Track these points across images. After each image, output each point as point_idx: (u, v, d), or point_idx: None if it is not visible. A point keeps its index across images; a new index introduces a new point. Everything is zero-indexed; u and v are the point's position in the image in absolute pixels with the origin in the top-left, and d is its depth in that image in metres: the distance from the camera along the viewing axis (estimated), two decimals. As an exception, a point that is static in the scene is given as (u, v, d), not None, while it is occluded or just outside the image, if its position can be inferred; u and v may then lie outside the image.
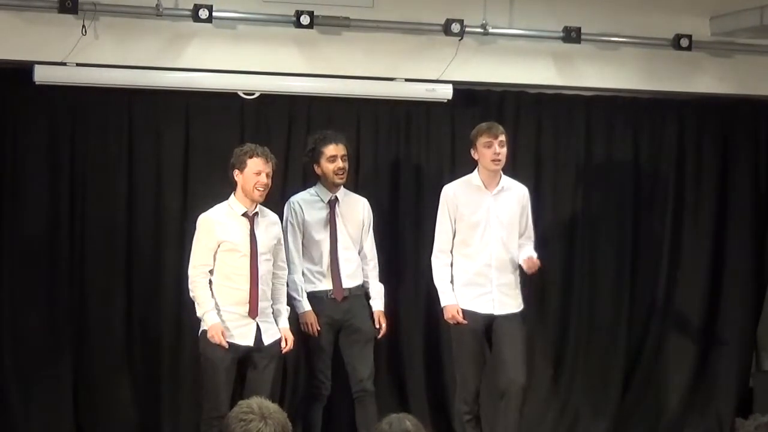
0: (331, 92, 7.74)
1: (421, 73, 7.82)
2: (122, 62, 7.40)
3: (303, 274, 7.08)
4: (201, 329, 6.68)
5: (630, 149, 8.46)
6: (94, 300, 7.57)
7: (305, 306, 7.03)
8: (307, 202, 7.15)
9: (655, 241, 8.50)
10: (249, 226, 6.69)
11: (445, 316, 7.09)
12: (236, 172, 6.68)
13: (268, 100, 7.73)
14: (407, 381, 8.04)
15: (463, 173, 7.28)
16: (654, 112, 8.48)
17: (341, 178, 7.13)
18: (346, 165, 7.14)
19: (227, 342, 6.56)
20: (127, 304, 7.61)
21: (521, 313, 7.16)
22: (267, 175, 6.67)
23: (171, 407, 7.66)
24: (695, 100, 8.50)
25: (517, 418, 7.01)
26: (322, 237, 7.13)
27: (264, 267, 6.69)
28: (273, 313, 6.78)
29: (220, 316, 6.59)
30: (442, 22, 7.75)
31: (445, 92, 7.82)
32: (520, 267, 7.15)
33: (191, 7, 7.35)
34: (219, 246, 6.64)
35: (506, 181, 7.17)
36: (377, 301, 7.24)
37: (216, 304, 6.61)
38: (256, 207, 6.72)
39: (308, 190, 7.23)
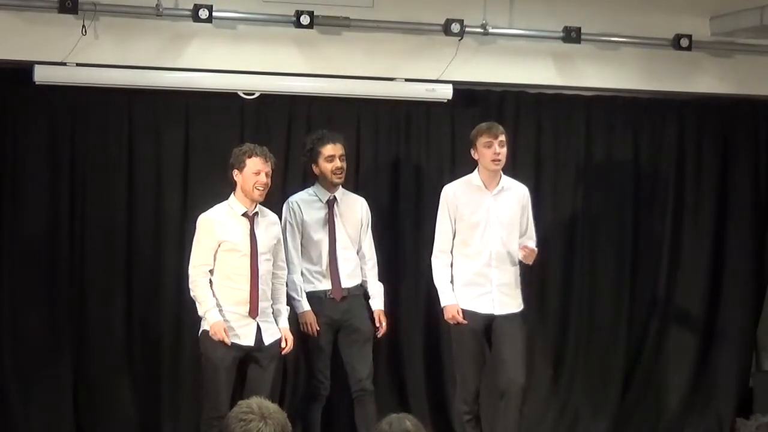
0: (331, 92, 7.74)
1: (421, 73, 7.82)
2: (122, 62, 7.40)
3: (302, 274, 7.09)
4: (201, 329, 6.68)
5: (630, 149, 8.46)
6: (94, 300, 7.57)
7: (304, 306, 7.03)
8: (305, 202, 7.16)
9: (655, 241, 8.50)
10: (249, 226, 6.69)
11: (445, 316, 7.09)
12: (235, 172, 6.68)
13: (268, 100, 7.73)
14: (407, 381, 8.04)
15: (463, 173, 7.28)
16: (654, 112, 8.48)
17: (339, 178, 7.14)
18: (344, 165, 7.14)
19: (230, 341, 6.56)
20: (127, 304, 7.61)
21: (521, 313, 7.16)
22: (266, 175, 6.67)
23: (171, 407, 7.66)
24: (695, 100, 8.50)
25: (517, 418, 7.01)
26: (321, 237, 7.13)
27: (264, 267, 6.69)
28: (273, 312, 6.78)
29: (222, 315, 6.59)
30: (442, 22, 7.75)
31: (445, 92, 7.82)
32: (521, 265, 7.15)
33: (191, 7, 7.35)
34: (219, 246, 6.64)
35: (506, 181, 7.17)
36: (377, 301, 7.25)
37: (217, 303, 6.61)
38: (255, 207, 6.72)
39: (307, 190, 7.24)
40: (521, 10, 7.97)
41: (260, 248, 6.67)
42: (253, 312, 6.65)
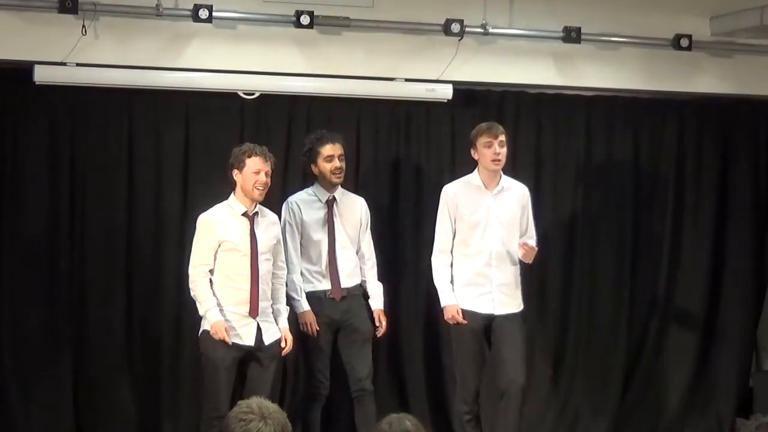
0: (331, 92, 7.74)
1: (421, 73, 7.82)
2: (122, 62, 7.40)
3: (301, 274, 7.09)
4: (201, 329, 6.68)
5: (630, 149, 8.46)
6: (94, 300, 7.57)
7: (304, 306, 7.03)
8: (305, 202, 7.16)
9: (655, 241, 8.50)
10: (249, 226, 6.69)
11: (445, 317, 7.09)
12: (235, 171, 6.68)
13: (268, 100, 7.73)
14: (407, 381, 8.04)
15: (463, 173, 7.28)
16: (654, 112, 8.48)
17: (338, 178, 7.14)
18: (343, 165, 7.14)
19: (231, 340, 6.57)
20: (127, 304, 7.61)
21: (521, 313, 7.16)
22: (266, 174, 6.67)
23: (171, 407, 7.66)
24: (695, 100, 8.50)
25: (517, 418, 7.01)
26: (321, 237, 7.13)
27: (264, 267, 6.69)
28: (273, 312, 6.78)
29: (222, 315, 6.59)
30: (442, 22, 7.75)
31: (445, 92, 7.82)
32: (520, 264, 7.15)
33: (191, 7, 7.35)
34: (219, 246, 6.64)
35: (506, 180, 7.17)
36: (376, 300, 7.25)
37: (217, 302, 6.61)
38: (255, 207, 6.72)
39: (306, 190, 7.24)
40: (521, 10, 7.97)
41: (260, 248, 6.67)
42: (254, 312, 6.64)
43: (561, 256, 8.30)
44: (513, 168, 7.60)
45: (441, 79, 7.82)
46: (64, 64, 7.24)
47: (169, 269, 7.56)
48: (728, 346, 8.59)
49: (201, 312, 6.65)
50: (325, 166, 7.10)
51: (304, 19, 7.48)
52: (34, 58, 7.23)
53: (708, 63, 8.36)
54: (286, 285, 6.92)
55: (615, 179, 8.43)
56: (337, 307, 7.12)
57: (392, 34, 7.80)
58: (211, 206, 6.76)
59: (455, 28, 7.70)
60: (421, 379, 8.06)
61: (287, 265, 6.95)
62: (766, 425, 3.96)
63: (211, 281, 6.64)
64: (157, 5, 7.32)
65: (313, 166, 7.16)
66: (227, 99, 7.65)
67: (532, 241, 7.17)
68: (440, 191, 7.22)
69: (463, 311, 7.02)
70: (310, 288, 7.09)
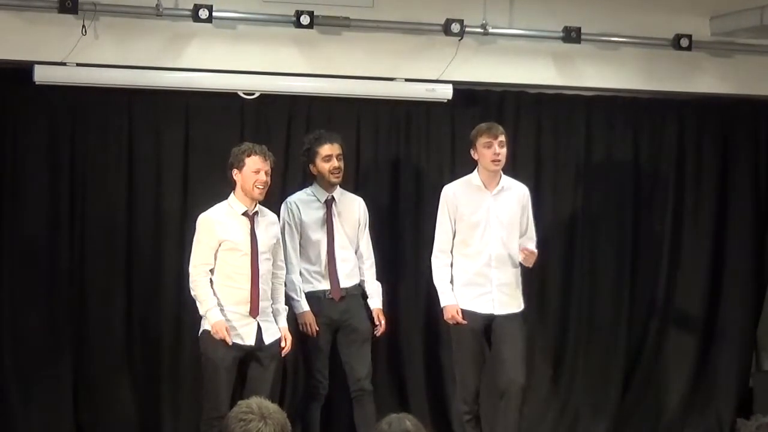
0: (331, 92, 7.74)
1: (421, 73, 7.82)
2: (122, 62, 7.40)
3: (300, 274, 7.09)
4: (201, 329, 6.68)
5: (630, 149, 8.46)
6: (94, 300, 7.57)
7: (304, 306, 7.03)
8: (303, 203, 7.16)
9: (655, 241, 8.50)
10: (249, 226, 6.69)
11: (445, 317, 7.09)
12: (235, 171, 6.68)
13: (268, 100, 7.73)
14: (407, 381, 8.04)
15: (463, 173, 7.28)
16: (654, 112, 8.48)
17: (337, 178, 7.13)
18: (342, 164, 7.14)
19: (231, 340, 6.57)
20: (127, 304, 7.61)
21: (521, 313, 7.16)
22: (266, 173, 6.67)
23: (171, 407, 7.66)
24: (695, 100, 8.50)
25: (517, 418, 7.01)
26: (320, 237, 7.13)
27: (264, 266, 6.69)
28: (272, 312, 6.78)
29: (223, 315, 6.59)
30: (442, 22, 7.75)
31: (445, 92, 7.82)
32: (521, 266, 7.15)
33: (191, 7, 7.35)
34: (220, 245, 6.64)
35: (506, 180, 7.17)
36: (375, 299, 7.25)
37: (218, 302, 6.61)
38: (255, 206, 6.72)
39: (304, 190, 7.24)
40: (521, 10, 7.97)
41: (260, 247, 6.67)
42: (254, 311, 6.64)
43: (561, 256, 8.30)
44: (513, 168, 7.60)
45: (441, 79, 7.82)
46: (64, 64, 7.24)
47: (169, 269, 7.56)
48: (728, 346, 8.59)
49: (201, 312, 6.65)
50: (324, 166, 7.10)
51: (304, 19, 7.48)
52: (34, 58, 7.23)
53: (708, 63, 8.36)
54: (286, 285, 6.92)
55: (615, 179, 8.43)
56: (336, 307, 7.12)
57: (392, 34, 7.80)
58: (211, 206, 6.76)
59: (455, 28, 7.70)
60: (421, 379, 8.06)
61: (286, 265, 6.95)
62: (767, 425, 3.95)
63: (211, 281, 6.65)
64: (157, 5, 7.32)
65: (311, 166, 7.16)
66: (227, 99, 7.65)
67: (532, 243, 7.17)
68: (440, 191, 7.22)
69: (463, 311, 7.02)
70: (309, 288, 7.09)
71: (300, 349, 7.13)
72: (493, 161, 7.02)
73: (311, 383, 7.13)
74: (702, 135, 8.56)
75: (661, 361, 8.51)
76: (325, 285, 7.12)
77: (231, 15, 7.52)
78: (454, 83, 7.84)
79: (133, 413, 7.60)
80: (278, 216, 7.01)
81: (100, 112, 7.55)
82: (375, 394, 7.22)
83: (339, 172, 7.13)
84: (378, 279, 7.33)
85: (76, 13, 7.16)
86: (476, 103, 8.09)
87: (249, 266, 6.64)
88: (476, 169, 7.13)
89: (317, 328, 7.02)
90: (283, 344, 6.76)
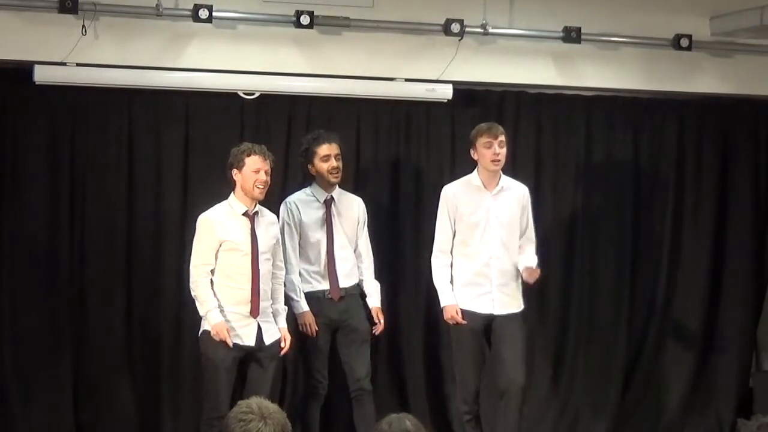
0: (331, 92, 7.74)
1: (421, 73, 7.82)
2: (122, 62, 7.40)
3: (300, 274, 7.09)
4: (201, 329, 6.68)
5: (630, 149, 8.46)
6: (94, 300, 7.57)
7: (303, 306, 7.03)
8: (303, 203, 7.16)
9: (655, 241, 8.50)
10: (250, 226, 6.69)
11: (445, 317, 7.09)
12: (234, 171, 6.68)
13: (268, 100, 7.73)
14: (407, 381, 8.04)
15: (463, 173, 7.28)
16: (654, 112, 8.48)
17: (336, 178, 7.13)
18: (340, 164, 7.14)
19: (231, 341, 6.57)
20: (127, 304, 7.61)
21: (521, 313, 7.16)
22: (266, 173, 6.67)
23: (171, 407, 7.66)
24: (695, 100, 8.50)
25: (517, 418, 7.01)
26: (319, 237, 7.13)
27: (264, 266, 6.69)
28: (272, 313, 6.78)
29: (223, 315, 6.59)
30: (442, 22, 7.75)
31: (445, 92, 7.82)
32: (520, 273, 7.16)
33: (191, 7, 7.35)
34: (220, 245, 6.64)
35: (506, 180, 7.17)
36: (374, 298, 7.25)
37: (218, 303, 6.61)
38: (255, 206, 6.72)
39: (304, 190, 7.23)
40: (521, 10, 7.97)
41: (261, 248, 6.67)
42: (254, 311, 6.64)
43: (561, 256, 8.30)
44: (513, 168, 7.60)
45: (441, 79, 7.82)
46: (64, 64, 7.24)
47: (169, 269, 7.56)
48: (728, 346, 8.59)
49: (201, 313, 6.65)
50: (322, 166, 7.10)
51: (304, 19, 7.48)
52: (34, 58, 7.23)
53: (708, 63, 8.36)
54: (285, 285, 6.92)
55: (615, 179, 8.43)
56: (336, 307, 7.12)
57: (392, 34, 7.80)
58: (211, 206, 6.76)
59: (455, 28, 7.70)
60: (421, 379, 8.06)
61: (285, 265, 6.95)
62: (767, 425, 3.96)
63: (211, 282, 6.64)
64: (157, 5, 7.32)
65: (310, 166, 7.16)
66: (227, 99, 7.65)
67: (531, 244, 7.18)
68: (440, 191, 7.22)
69: (463, 311, 7.02)
70: (308, 288, 7.09)
71: (299, 349, 7.13)
72: (493, 161, 7.02)
73: (311, 383, 7.14)
74: (702, 135, 8.56)
75: (661, 361, 8.51)
76: (324, 285, 7.12)
77: (231, 15, 7.52)
78: (454, 83, 7.84)
79: (133, 413, 7.60)
80: (277, 216, 7.01)
81: (100, 112, 7.55)
82: (375, 394, 7.23)
83: (337, 172, 7.13)
84: (378, 279, 7.34)
85: (76, 13, 7.16)
86: (476, 103, 8.09)
87: (249, 266, 6.64)
88: (476, 169, 7.13)
89: (317, 328, 7.02)
90: (282, 345, 6.76)
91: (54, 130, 7.49)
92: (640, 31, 8.15)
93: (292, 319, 7.00)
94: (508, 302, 7.09)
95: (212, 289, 6.63)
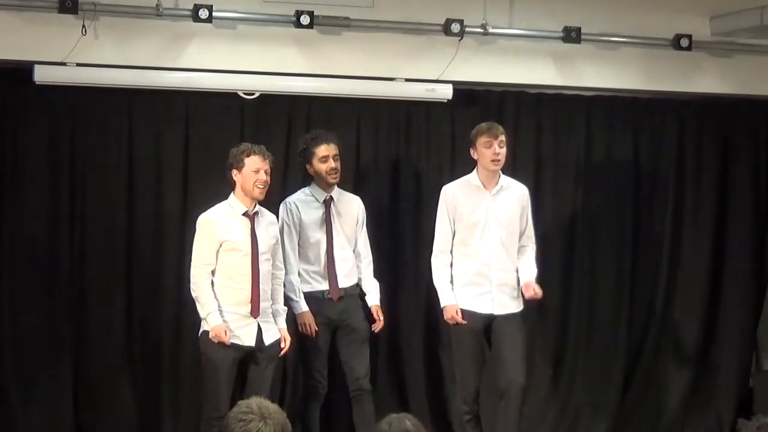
0: (331, 92, 7.74)
1: (421, 73, 7.82)
2: (122, 62, 7.40)
3: (299, 274, 7.09)
4: (201, 329, 6.68)
5: (630, 149, 8.46)
6: (94, 300, 7.57)
7: (303, 307, 7.03)
8: (303, 203, 7.16)
9: (655, 241, 8.50)
10: (250, 226, 6.69)
11: (445, 317, 7.09)
12: (234, 171, 6.68)
13: (268, 100, 7.73)
14: (407, 381, 8.04)
15: (463, 173, 7.27)
16: (654, 112, 8.48)
17: (334, 179, 7.13)
18: (339, 165, 7.13)
19: (230, 342, 6.56)
20: (127, 304, 7.61)
21: (521, 312, 7.16)
22: (266, 173, 6.67)
23: (171, 407, 7.66)
24: (695, 100, 8.50)
25: (517, 418, 7.01)
26: (319, 237, 7.13)
27: (264, 266, 6.69)
28: (272, 313, 6.78)
29: (222, 317, 6.59)
30: (442, 22, 7.75)
31: (445, 92, 7.82)
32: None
33: (191, 7, 7.35)
34: (221, 245, 6.64)
35: (505, 180, 7.17)
36: (373, 296, 7.25)
37: (218, 304, 6.61)
38: (255, 206, 6.72)
39: (303, 190, 7.23)
40: (521, 10, 7.97)
41: (261, 248, 6.67)
42: (255, 312, 6.64)
43: (561, 256, 8.30)
44: (513, 168, 7.60)
45: (441, 79, 7.82)
46: (64, 64, 7.24)
47: (169, 269, 7.56)
48: (728, 346, 8.59)
49: (202, 315, 6.65)
50: (321, 167, 7.10)
51: (304, 19, 7.48)
52: (34, 58, 7.23)
53: (708, 63, 8.36)
54: (284, 286, 6.92)
55: (615, 179, 8.42)
56: (335, 307, 7.12)
57: (392, 34, 7.80)
58: (211, 206, 6.76)
59: (455, 28, 7.70)
60: (421, 379, 8.06)
61: (285, 266, 6.95)
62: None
63: (212, 282, 6.64)
64: (157, 5, 7.32)
65: (308, 167, 7.16)
66: (227, 99, 7.65)
67: (531, 245, 7.17)
68: (440, 191, 7.22)
69: (463, 311, 7.02)
70: (307, 288, 7.09)
71: (299, 350, 7.13)
72: (493, 161, 7.02)
73: (310, 383, 7.14)
74: (702, 135, 8.56)
75: (661, 361, 8.51)
76: (323, 285, 7.12)
77: (231, 15, 7.52)
78: (454, 83, 7.84)
79: (133, 413, 7.60)
80: (277, 216, 7.01)
81: (100, 112, 7.55)
82: (375, 394, 7.24)
83: (336, 173, 7.13)
84: (378, 279, 7.33)
85: (76, 13, 7.16)
86: (476, 103, 8.09)
87: (249, 266, 6.64)
88: (475, 169, 7.13)
89: (316, 329, 7.02)
90: (282, 345, 6.76)
91: (54, 130, 7.49)
92: (640, 31, 8.15)
93: (292, 320, 7.00)
94: (508, 302, 7.09)
95: (213, 290, 6.62)
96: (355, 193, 7.42)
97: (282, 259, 6.92)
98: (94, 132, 7.56)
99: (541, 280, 7.95)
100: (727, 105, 8.57)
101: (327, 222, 7.15)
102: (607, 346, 8.43)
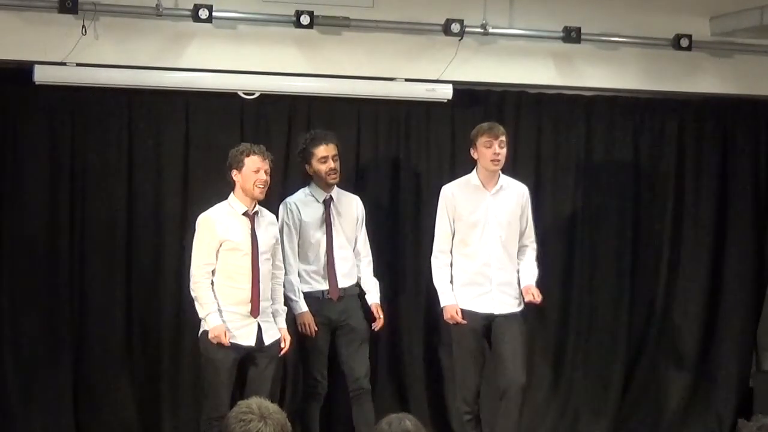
0: (331, 92, 7.74)
1: (421, 73, 7.83)
2: (122, 62, 7.40)
3: (299, 274, 7.09)
4: (201, 329, 6.68)
5: (630, 149, 8.46)
6: (94, 300, 7.57)
7: (302, 307, 7.03)
8: (302, 203, 7.16)
9: (655, 241, 8.50)
10: (250, 225, 6.69)
11: (445, 317, 7.09)
12: (234, 172, 6.68)
13: (268, 100, 7.73)
14: (407, 381, 8.04)
15: (463, 173, 7.28)
16: (654, 112, 8.48)
17: (334, 179, 7.13)
18: (338, 165, 7.13)
19: (229, 342, 6.56)
20: (127, 304, 7.60)
21: (521, 312, 7.16)
22: (266, 172, 6.67)
23: (171, 407, 7.66)
24: (695, 100, 8.50)
25: (517, 418, 7.01)
26: (319, 237, 7.14)
27: (265, 266, 6.69)
28: (272, 313, 6.78)
29: (222, 317, 6.59)
30: (442, 22, 7.75)
31: (445, 92, 7.82)
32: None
33: (191, 7, 7.35)
34: (221, 245, 6.64)
35: (505, 180, 7.17)
36: (373, 294, 7.26)
37: (218, 305, 6.61)
38: (255, 206, 6.72)
39: (302, 190, 7.23)
40: (521, 10, 7.97)
41: (261, 248, 6.68)
42: (255, 311, 6.64)
43: (561, 256, 8.29)
44: (513, 168, 7.60)
45: (441, 79, 7.82)
46: (64, 64, 7.24)
47: (169, 269, 7.56)
48: (728, 346, 8.59)
49: (201, 315, 6.65)
50: (320, 167, 7.10)
51: (304, 19, 7.48)
52: (34, 58, 7.23)
53: (708, 63, 8.36)
54: (284, 286, 6.92)
55: (615, 179, 8.42)
56: (335, 307, 7.12)
57: (392, 34, 7.80)
58: (211, 206, 6.76)
59: (455, 28, 7.70)
60: (421, 379, 8.06)
61: (284, 266, 6.95)
62: None
63: (212, 282, 6.64)
64: (157, 5, 7.32)
65: (307, 167, 7.16)
66: (227, 99, 7.65)
67: (532, 245, 7.17)
68: (440, 191, 7.22)
69: (463, 311, 7.02)
70: (307, 288, 7.10)
71: (299, 350, 7.13)
72: (493, 161, 7.02)
73: (310, 383, 7.14)
74: (702, 135, 8.56)
75: (661, 361, 8.51)
76: (323, 285, 7.13)
77: (231, 15, 7.52)
78: (454, 83, 7.84)
79: (133, 413, 7.60)
80: (276, 216, 7.01)
81: (100, 112, 7.55)
82: (375, 394, 7.24)
83: (335, 174, 7.13)
84: (378, 279, 7.34)
85: (76, 13, 7.16)
86: (476, 103, 8.09)
87: (249, 266, 6.64)
88: (475, 169, 7.13)
89: (316, 329, 7.02)
90: (282, 345, 6.76)
91: (54, 130, 7.49)
92: (640, 31, 8.15)
93: (292, 320, 7.00)
94: (508, 302, 7.09)
95: (212, 290, 6.62)
96: (355, 193, 7.42)
97: (282, 259, 6.92)
98: (94, 132, 7.56)
99: (541, 279, 7.97)
100: (727, 105, 8.57)
101: (327, 222, 7.15)
102: (607, 346, 8.42)
